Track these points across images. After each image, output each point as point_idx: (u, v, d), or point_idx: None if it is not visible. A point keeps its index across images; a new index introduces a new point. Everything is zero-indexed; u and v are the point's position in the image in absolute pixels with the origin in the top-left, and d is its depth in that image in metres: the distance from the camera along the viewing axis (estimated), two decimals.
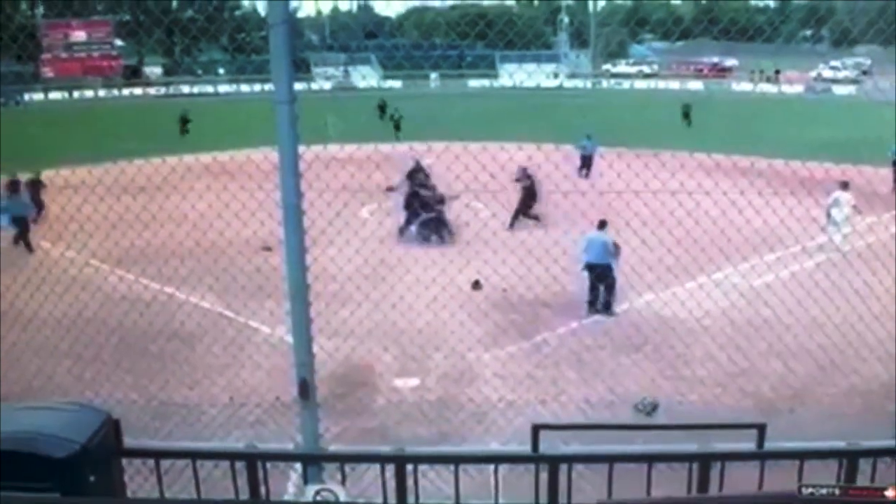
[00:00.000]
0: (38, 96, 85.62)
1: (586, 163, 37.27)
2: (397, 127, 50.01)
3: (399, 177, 29.42)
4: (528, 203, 27.41)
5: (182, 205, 20.73)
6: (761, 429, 6.29)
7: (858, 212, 24.87)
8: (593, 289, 19.53)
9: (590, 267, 19.45)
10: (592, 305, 19.51)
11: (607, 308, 19.41)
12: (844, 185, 25.22)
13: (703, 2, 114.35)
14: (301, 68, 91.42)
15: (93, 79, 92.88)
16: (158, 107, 70.07)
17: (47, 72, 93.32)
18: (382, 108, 55.00)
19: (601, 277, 19.35)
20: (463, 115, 51.30)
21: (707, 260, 18.39)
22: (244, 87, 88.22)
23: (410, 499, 6.56)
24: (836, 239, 24.21)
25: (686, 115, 51.68)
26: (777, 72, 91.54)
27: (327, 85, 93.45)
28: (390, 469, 6.54)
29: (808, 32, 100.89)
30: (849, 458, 6.25)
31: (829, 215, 24.77)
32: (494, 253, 20.79)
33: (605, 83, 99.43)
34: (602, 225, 19.69)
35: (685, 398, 15.21)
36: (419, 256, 23.23)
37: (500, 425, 13.47)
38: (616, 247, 19.41)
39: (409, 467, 6.55)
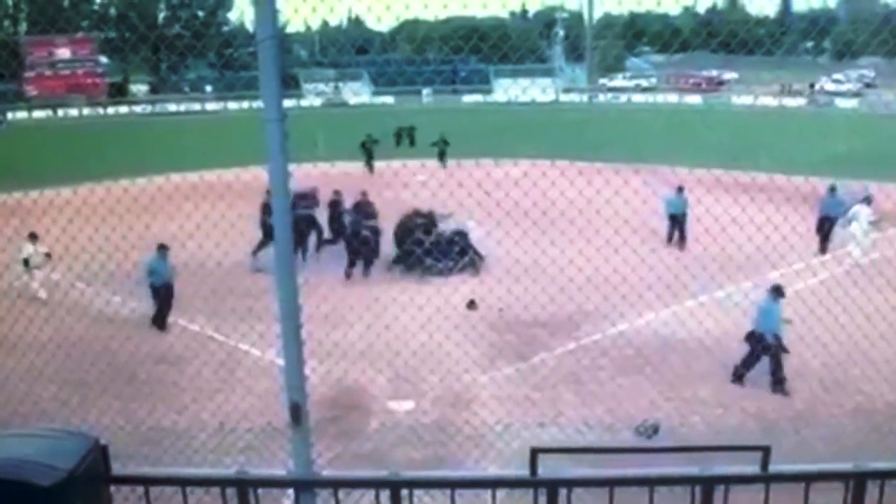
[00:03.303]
0: (22, 115, 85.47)
1: (677, 225, 27.17)
2: (410, 139, 50.31)
3: None
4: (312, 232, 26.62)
5: (169, 225, 20.72)
6: (765, 450, 6.28)
7: (876, 228, 24.96)
8: (751, 358, 16.87)
9: (757, 337, 16.81)
10: (741, 373, 16.95)
11: (778, 384, 16.54)
12: (866, 200, 25.28)
13: (702, 13, 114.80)
14: (290, 85, 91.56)
15: (77, 97, 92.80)
16: (145, 125, 70.20)
17: (31, 90, 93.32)
18: (399, 134, 53.85)
19: (765, 350, 16.61)
20: (457, 131, 51.32)
21: (708, 278, 18.43)
22: (232, 105, 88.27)
23: None
24: (854, 253, 24.31)
25: (399, 137, 50.44)
26: (812, 85, 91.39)
27: (317, 101, 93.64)
28: (385, 494, 6.54)
29: (810, 44, 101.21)
30: (856, 480, 6.25)
31: (850, 222, 24.95)
32: (489, 272, 20.81)
33: (601, 97, 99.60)
34: (777, 292, 17.12)
35: (687, 419, 15.22)
36: (413, 276, 23.25)
37: (498, 448, 13.46)
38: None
39: (405, 492, 6.55)
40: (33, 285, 22.79)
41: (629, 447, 12.61)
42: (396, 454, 14.00)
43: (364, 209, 26.23)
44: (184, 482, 6.51)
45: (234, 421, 14.51)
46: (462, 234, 25.31)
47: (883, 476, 6.18)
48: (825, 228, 26.52)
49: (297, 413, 6.56)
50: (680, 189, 27.19)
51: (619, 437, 14.25)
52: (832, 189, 26.90)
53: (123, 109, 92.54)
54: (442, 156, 43.92)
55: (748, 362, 16.95)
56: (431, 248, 24.70)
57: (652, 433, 14.53)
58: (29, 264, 22.72)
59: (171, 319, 20.53)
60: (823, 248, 26.02)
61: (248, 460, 12.52)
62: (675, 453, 6.04)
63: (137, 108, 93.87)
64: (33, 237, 22.68)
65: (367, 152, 44.30)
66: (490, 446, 13.73)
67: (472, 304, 21.17)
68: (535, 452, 6.27)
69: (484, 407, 15.88)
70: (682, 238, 26.68)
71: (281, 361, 6.62)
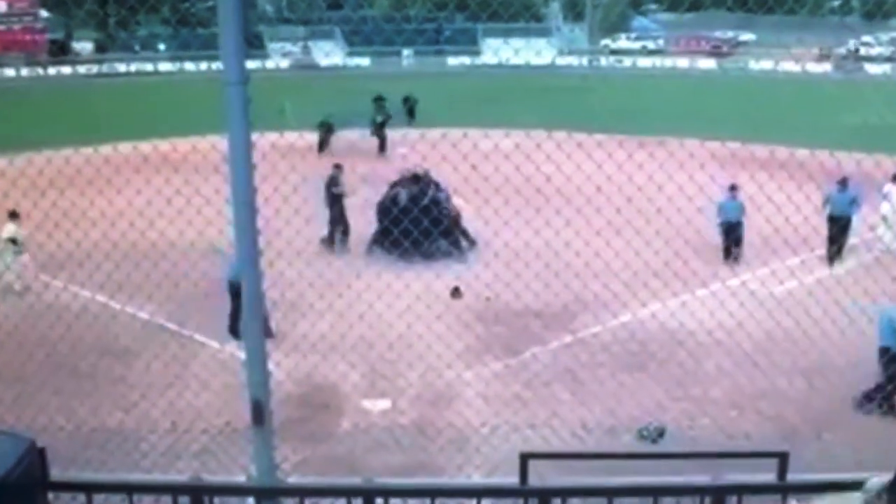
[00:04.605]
0: None
1: (731, 234, 23.96)
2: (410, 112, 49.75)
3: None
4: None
5: (117, 201, 20.63)
6: (783, 457, 6.30)
7: None
8: (889, 379, 15.48)
9: (883, 352, 15.67)
10: (870, 399, 15.65)
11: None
12: None
13: None
14: (254, 44, 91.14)
15: (14, 56, 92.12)
16: (90, 87, 69.89)
17: None
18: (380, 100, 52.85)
19: (889, 365, 15.50)
20: (441, 98, 51.23)
21: (721, 264, 18.42)
22: (189, 65, 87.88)
23: None
24: (885, 237, 24.25)
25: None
26: (856, 51, 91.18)
27: (284, 63, 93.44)
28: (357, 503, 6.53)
29: (836, 3, 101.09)
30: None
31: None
32: (476, 256, 20.73)
33: (603, 60, 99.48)
34: None
35: (696, 422, 15.25)
36: (391, 259, 23.21)
37: (484, 453, 13.47)
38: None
39: (380, 501, 6.55)
40: (8, 275, 22.33)
41: (631, 452, 12.65)
42: (371, 459, 14.00)
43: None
44: (131, 489, 6.49)
45: (187, 421, 14.48)
46: (449, 215, 25.12)
47: None
48: (834, 231, 24.24)
49: (259, 412, 6.54)
50: (733, 187, 24.52)
51: (620, 442, 14.29)
52: (842, 183, 24.20)
53: (66, 70, 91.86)
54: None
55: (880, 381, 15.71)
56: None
57: (657, 437, 14.58)
58: (17, 243, 22.34)
59: (117, 306, 20.49)
60: (832, 258, 23.79)
61: (203, 465, 12.48)
62: (683, 460, 6.05)
63: (82, 69, 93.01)
64: (14, 216, 22.33)
65: (378, 128, 43.35)
66: (475, 451, 13.74)
67: (456, 292, 21.16)
68: (525, 458, 6.27)
69: (469, 407, 15.89)
70: (738, 246, 23.78)
71: (242, 354, 6.60)
